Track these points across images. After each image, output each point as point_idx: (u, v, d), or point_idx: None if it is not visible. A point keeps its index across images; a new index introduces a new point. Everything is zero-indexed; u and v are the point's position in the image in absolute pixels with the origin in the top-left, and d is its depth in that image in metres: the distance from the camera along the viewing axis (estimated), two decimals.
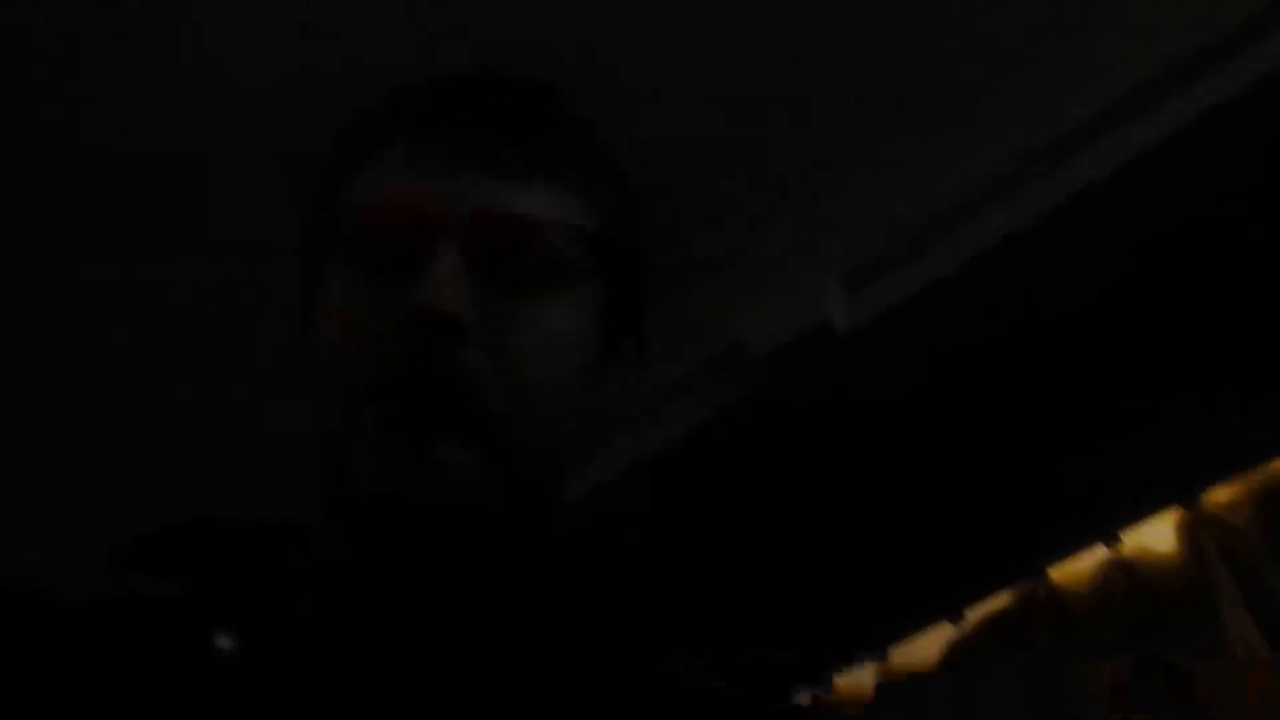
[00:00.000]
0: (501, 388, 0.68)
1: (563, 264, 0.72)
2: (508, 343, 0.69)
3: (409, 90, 0.78)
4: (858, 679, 2.11)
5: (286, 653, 0.68)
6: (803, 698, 2.12)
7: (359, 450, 0.67)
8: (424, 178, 0.71)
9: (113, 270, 1.73)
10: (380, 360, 0.68)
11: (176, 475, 1.99)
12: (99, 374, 1.87)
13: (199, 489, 1.98)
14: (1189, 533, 1.81)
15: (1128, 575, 1.86)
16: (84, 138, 1.58)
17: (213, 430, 1.96)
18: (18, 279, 1.73)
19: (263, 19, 1.47)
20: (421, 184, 0.71)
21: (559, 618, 0.75)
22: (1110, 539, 1.87)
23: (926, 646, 2.05)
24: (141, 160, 1.60)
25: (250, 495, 1.73)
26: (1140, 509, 1.83)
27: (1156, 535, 1.85)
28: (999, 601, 1.98)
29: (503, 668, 0.69)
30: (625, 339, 0.78)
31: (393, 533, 0.68)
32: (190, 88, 1.53)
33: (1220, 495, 1.79)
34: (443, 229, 0.69)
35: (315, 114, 1.50)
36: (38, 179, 1.62)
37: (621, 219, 0.78)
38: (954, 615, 2.02)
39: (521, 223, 0.70)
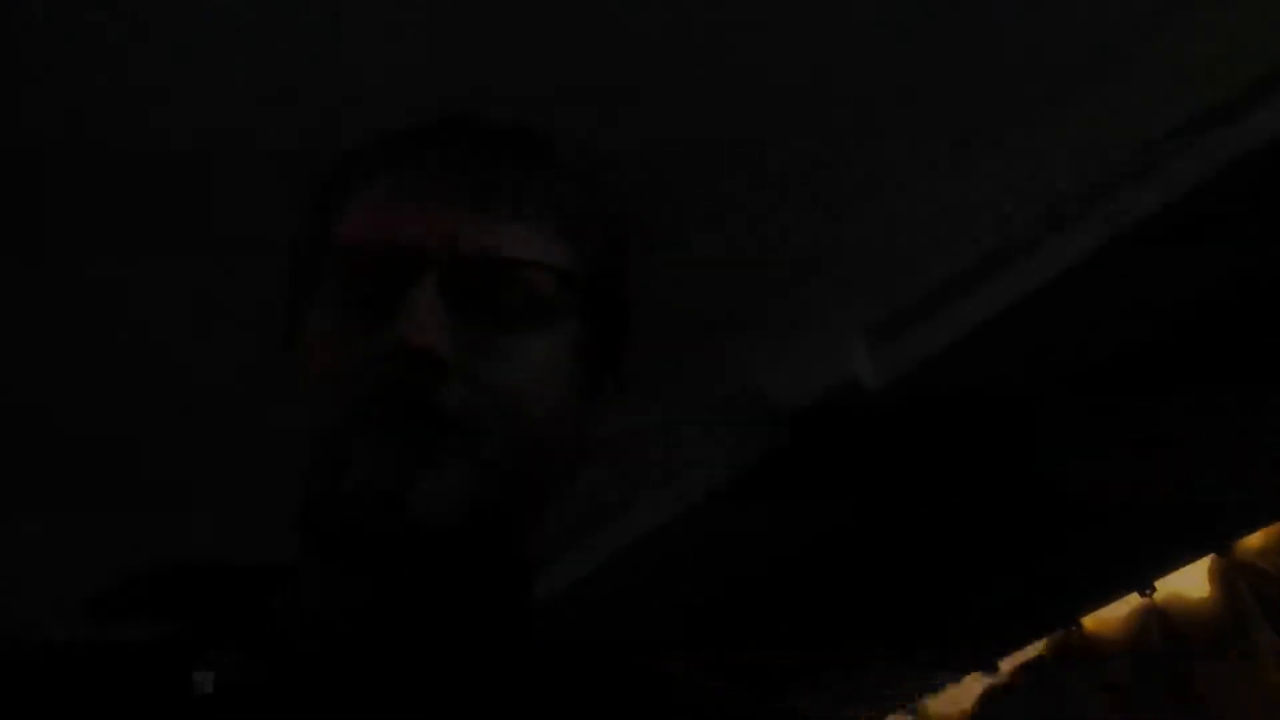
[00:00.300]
0: (480, 419, 0.69)
1: (542, 301, 0.73)
2: (486, 375, 0.70)
3: (398, 130, 0.79)
4: None
5: (267, 692, 0.68)
6: None
7: (343, 478, 0.68)
8: (408, 214, 0.72)
9: (113, 270, 1.72)
10: (361, 391, 0.69)
11: (176, 475, 1.99)
12: (99, 374, 1.86)
13: (199, 489, 1.98)
14: (1223, 578, 1.81)
15: (1162, 621, 1.86)
16: (84, 137, 1.57)
17: (212, 430, 1.94)
18: (17, 278, 1.73)
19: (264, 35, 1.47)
20: (405, 220, 0.72)
21: (536, 646, 0.75)
22: (1144, 586, 1.87)
23: (960, 696, 2.05)
24: (142, 160, 1.59)
25: (249, 496, 1.74)
26: (1175, 556, 1.83)
27: (1191, 582, 1.85)
28: (1032, 650, 1.98)
29: (484, 703, 0.69)
30: (605, 376, 0.80)
31: (372, 562, 0.68)
32: (192, 88, 1.53)
33: (1253, 541, 1.79)
34: (424, 264, 0.70)
35: (317, 115, 1.53)
36: (38, 178, 1.61)
37: (602, 260, 0.79)
38: (987, 664, 2.01)
39: (502, 261, 0.72)
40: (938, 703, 2.07)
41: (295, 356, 0.75)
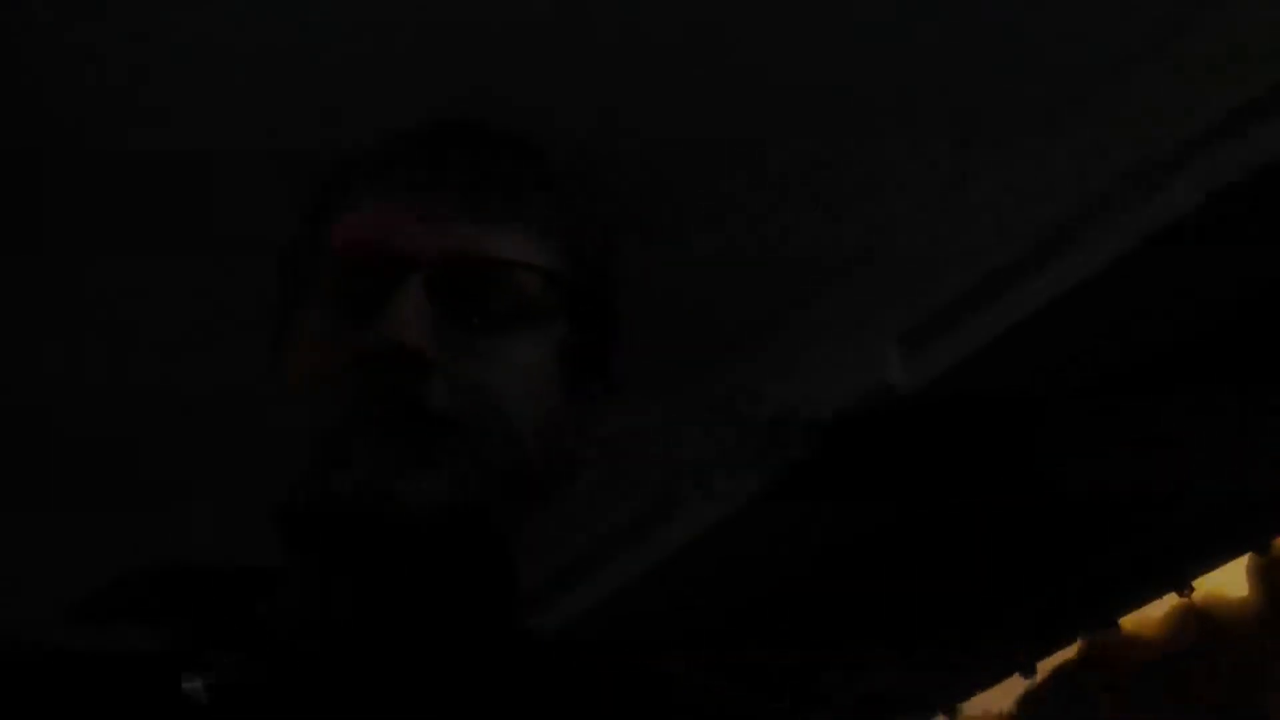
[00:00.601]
0: (464, 417, 0.71)
1: (528, 302, 0.75)
2: (470, 375, 0.72)
3: (392, 133, 0.81)
4: None
5: (258, 695, 0.69)
6: None
7: (330, 474, 0.69)
8: (398, 216, 0.74)
9: (113, 269, 1.74)
10: (348, 390, 0.70)
11: (176, 476, 2.01)
12: (98, 373, 1.87)
13: (199, 489, 2.00)
14: (1264, 577, 1.79)
15: (1200, 621, 1.84)
16: (84, 137, 1.59)
17: (213, 430, 1.95)
18: (16, 277, 1.74)
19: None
20: (395, 222, 0.74)
21: (529, 645, 0.76)
22: (1183, 586, 1.86)
23: (998, 698, 2.04)
24: (143, 161, 1.62)
25: (250, 496, 1.73)
26: (1214, 555, 1.81)
27: (1230, 581, 1.83)
28: (1070, 651, 1.97)
29: (477, 703, 0.70)
30: (592, 379, 0.81)
31: (358, 557, 0.70)
32: (195, 89, 1.55)
33: None
34: (411, 265, 0.72)
35: (320, 116, 1.53)
36: (37, 178, 1.63)
37: (590, 263, 0.80)
38: (1026, 667, 2.00)
39: (488, 262, 0.74)
40: (975, 705, 2.06)
41: (284, 356, 0.77)
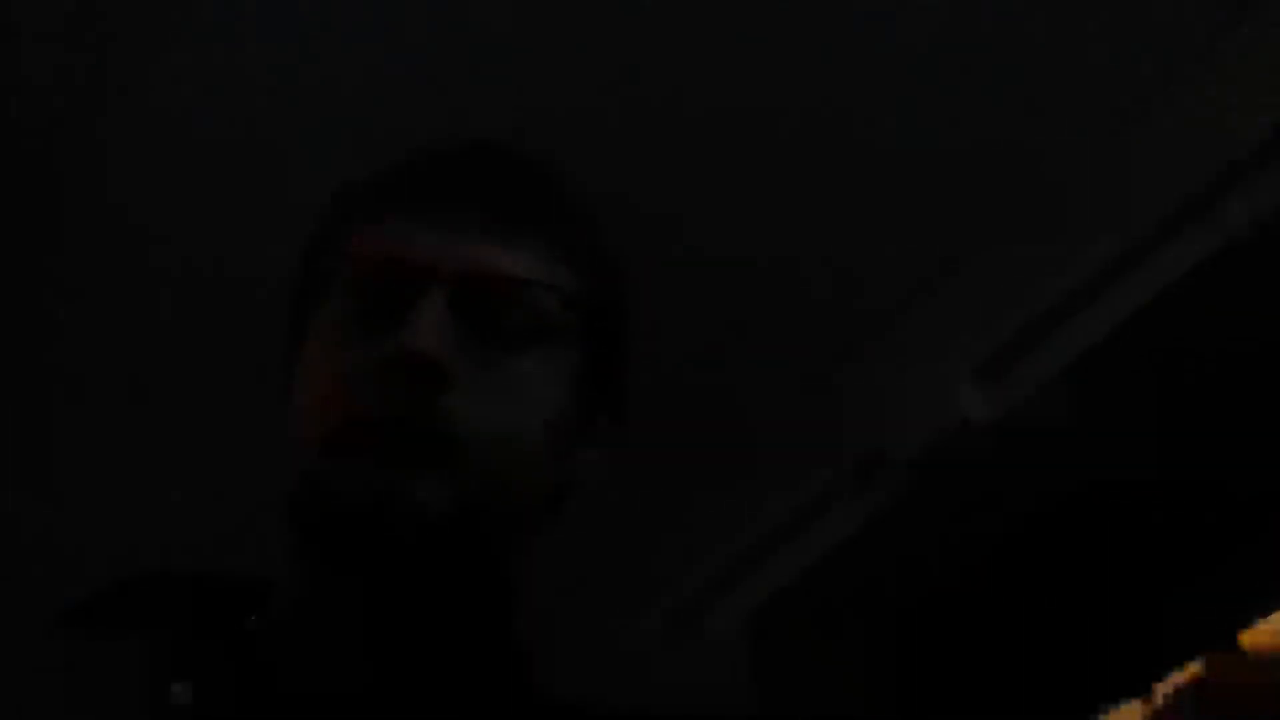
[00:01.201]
0: (477, 433, 0.71)
1: (545, 323, 0.75)
2: (486, 391, 0.72)
3: (413, 152, 0.82)
4: None
5: (244, 703, 0.70)
6: None
7: (336, 480, 0.70)
8: (421, 231, 0.74)
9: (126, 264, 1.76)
10: (362, 398, 0.71)
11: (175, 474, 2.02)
12: (97, 372, 1.89)
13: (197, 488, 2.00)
14: None
15: None
16: (94, 134, 1.61)
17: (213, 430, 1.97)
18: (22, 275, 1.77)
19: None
20: (416, 236, 0.74)
21: (519, 669, 0.76)
22: None
23: None
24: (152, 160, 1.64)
25: (247, 496, 1.75)
26: None
27: None
28: (1189, 673, 1.90)
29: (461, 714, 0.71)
30: (601, 402, 0.81)
31: (356, 564, 0.70)
32: (202, 88, 1.57)
33: None
34: (432, 279, 0.72)
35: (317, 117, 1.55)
36: (59, 180, 1.66)
37: (605, 292, 0.81)
38: (1142, 690, 1.94)
39: (508, 280, 0.74)
40: None
41: (297, 362, 0.78)
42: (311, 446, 0.72)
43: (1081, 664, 1.95)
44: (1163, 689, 1.94)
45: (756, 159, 1.64)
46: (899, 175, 1.66)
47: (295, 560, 0.75)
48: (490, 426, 0.71)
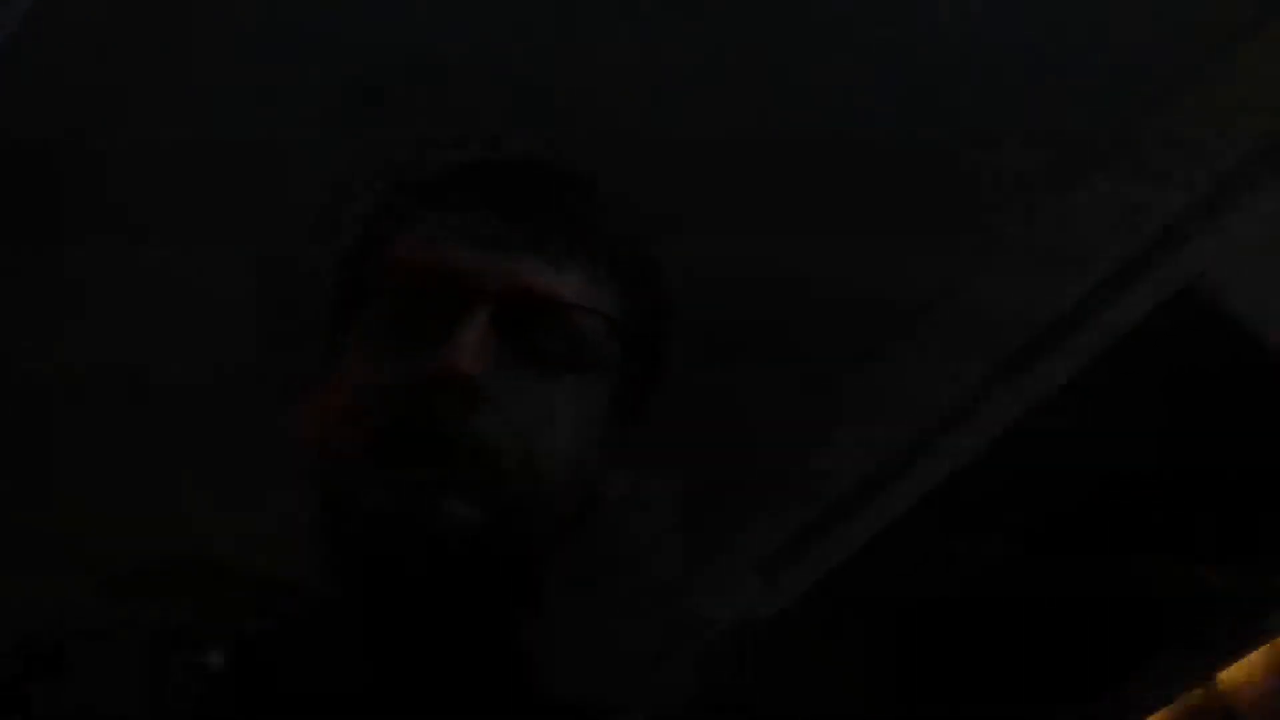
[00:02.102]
0: (510, 453, 0.70)
1: (586, 347, 0.75)
2: (520, 413, 0.71)
3: (463, 163, 0.81)
4: None
5: (274, 672, 0.71)
6: None
7: (363, 496, 0.70)
8: (466, 246, 0.73)
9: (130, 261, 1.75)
10: (400, 410, 0.70)
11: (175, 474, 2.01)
12: (97, 370, 1.88)
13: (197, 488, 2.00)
14: None
15: None
16: (98, 132, 1.61)
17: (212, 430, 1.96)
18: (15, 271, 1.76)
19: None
20: (464, 251, 0.73)
21: (520, 670, 0.76)
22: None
23: None
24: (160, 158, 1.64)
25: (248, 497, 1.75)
26: None
27: None
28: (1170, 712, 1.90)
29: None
30: (631, 423, 0.81)
31: (385, 568, 0.70)
32: (211, 85, 1.57)
33: None
34: (477, 296, 0.72)
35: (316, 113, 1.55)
36: (61, 171, 1.65)
37: (648, 317, 0.80)
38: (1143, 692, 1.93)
39: (553, 302, 0.73)
40: None
41: (331, 368, 0.77)
42: (343, 453, 0.71)
43: (1081, 663, 1.95)
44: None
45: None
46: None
47: (317, 563, 0.75)
48: (523, 447, 0.71)
